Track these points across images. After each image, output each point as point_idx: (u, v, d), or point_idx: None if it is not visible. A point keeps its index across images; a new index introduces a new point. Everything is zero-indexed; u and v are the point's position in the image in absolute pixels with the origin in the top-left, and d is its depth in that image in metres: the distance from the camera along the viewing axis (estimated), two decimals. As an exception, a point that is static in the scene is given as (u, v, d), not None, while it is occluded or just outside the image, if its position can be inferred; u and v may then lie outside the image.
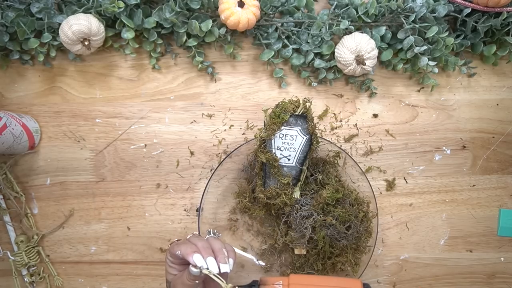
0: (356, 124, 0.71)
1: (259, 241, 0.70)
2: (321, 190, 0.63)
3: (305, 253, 0.66)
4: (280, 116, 0.58)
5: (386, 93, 0.72)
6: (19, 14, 0.62)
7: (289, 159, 0.61)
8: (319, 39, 0.66)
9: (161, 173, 0.70)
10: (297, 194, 0.63)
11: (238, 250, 0.69)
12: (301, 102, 0.59)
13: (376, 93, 0.71)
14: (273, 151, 0.61)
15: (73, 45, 0.62)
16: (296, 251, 0.65)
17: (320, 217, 0.62)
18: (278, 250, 0.69)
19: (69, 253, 0.70)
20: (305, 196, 0.64)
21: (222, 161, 0.67)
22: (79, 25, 0.60)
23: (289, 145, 0.60)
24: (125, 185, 0.70)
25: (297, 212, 0.63)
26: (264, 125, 0.61)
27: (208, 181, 0.67)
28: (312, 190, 0.65)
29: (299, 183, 0.63)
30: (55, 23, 0.64)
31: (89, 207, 0.70)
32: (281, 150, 0.61)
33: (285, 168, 0.62)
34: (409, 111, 0.72)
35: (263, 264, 0.69)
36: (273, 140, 0.60)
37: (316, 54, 0.68)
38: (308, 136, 0.61)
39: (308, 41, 0.67)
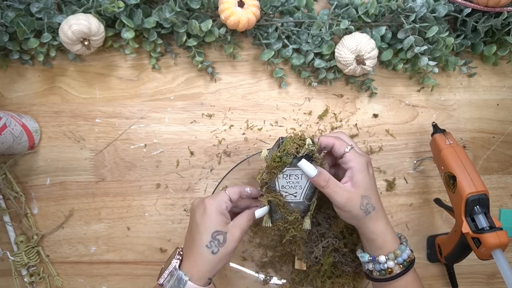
0: (356, 124, 0.71)
1: (260, 253, 0.69)
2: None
3: (305, 268, 0.64)
4: (282, 160, 0.53)
5: (386, 93, 0.72)
6: (19, 14, 0.62)
7: (295, 196, 0.57)
8: (319, 39, 0.66)
9: (161, 173, 0.70)
10: (306, 225, 0.59)
11: (236, 265, 0.68)
12: (306, 140, 0.53)
13: (376, 93, 0.71)
14: (278, 189, 0.56)
15: (73, 45, 0.62)
16: (297, 265, 0.64)
17: (335, 242, 0.60)
18: (280, 263, 0.68)
19: (69, 253, 0.70)
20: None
21: (228, 172, 0.66)
22: (79, 25, 0.60)
23: (294, 183, 0.56)
24: (125, 185, 0.70)
25: (316, 229, 0.62)
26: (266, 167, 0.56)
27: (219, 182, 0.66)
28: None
29: (309, 213, 0.59)
30: (55, 23, 0.64)
31: (89, 207, 0.70)
32: (286, 189, 0.56)
33: (292, 204, 0.57)
34: (409, 111, 0.72)
35: (263, 277, 0.68)
36: (276, 181, 0.55)
37: (316, 54, 0.68)
38: None
39: (308, 41, 0.67)
